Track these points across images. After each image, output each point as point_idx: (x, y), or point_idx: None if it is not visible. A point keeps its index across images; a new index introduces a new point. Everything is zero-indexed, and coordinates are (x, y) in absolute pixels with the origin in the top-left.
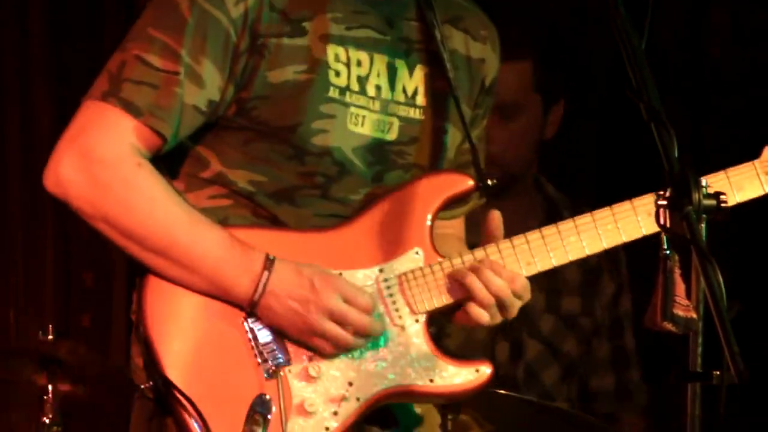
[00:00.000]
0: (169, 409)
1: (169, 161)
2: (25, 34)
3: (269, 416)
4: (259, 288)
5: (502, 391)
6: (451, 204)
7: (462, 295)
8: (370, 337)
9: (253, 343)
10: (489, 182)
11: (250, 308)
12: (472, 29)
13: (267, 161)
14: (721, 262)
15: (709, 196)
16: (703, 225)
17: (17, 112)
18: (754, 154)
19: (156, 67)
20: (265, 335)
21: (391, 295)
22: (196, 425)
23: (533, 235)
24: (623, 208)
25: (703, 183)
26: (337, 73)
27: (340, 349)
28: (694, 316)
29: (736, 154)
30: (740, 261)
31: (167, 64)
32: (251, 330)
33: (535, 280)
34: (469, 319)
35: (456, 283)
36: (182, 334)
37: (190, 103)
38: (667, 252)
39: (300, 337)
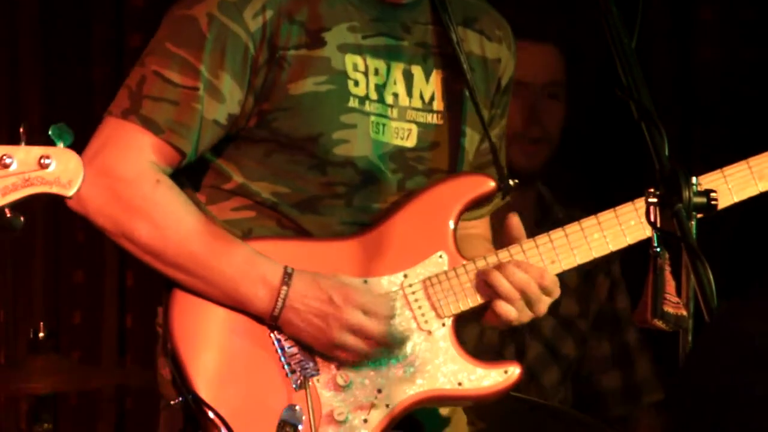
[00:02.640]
0: (198, 424)
1: (191, 174)
2: (14, 31)
3: (299, 427)
4: (278, 303)
5: None
6: (473, 206)
7: (487, 296)
8: (393, 346)
9: (280, 355)
10: (510, 182)
11: (272, 322)
12: (486, 30)
13: (288, 172)
14: (711, 260)
15: (699, 193)
16: (694, 222)
17: (7, 112)
18: (744, 153)
19: (175, 83)
20: (291, 347)
21: (416, 300)
22: None
23: (556, 234)
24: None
25: (694, 180)
26: (356, 83)
27: (363, 359)
28: (685, 313)
29: (725, 152)
30: (731, 258)
31: (186, 80)
32: (278, 341)
33: None
34: (498, 318)
35: (481, 283)
36: (210, 348)
37: (210, 118)
38: (658, 249)
39: (322, 350)
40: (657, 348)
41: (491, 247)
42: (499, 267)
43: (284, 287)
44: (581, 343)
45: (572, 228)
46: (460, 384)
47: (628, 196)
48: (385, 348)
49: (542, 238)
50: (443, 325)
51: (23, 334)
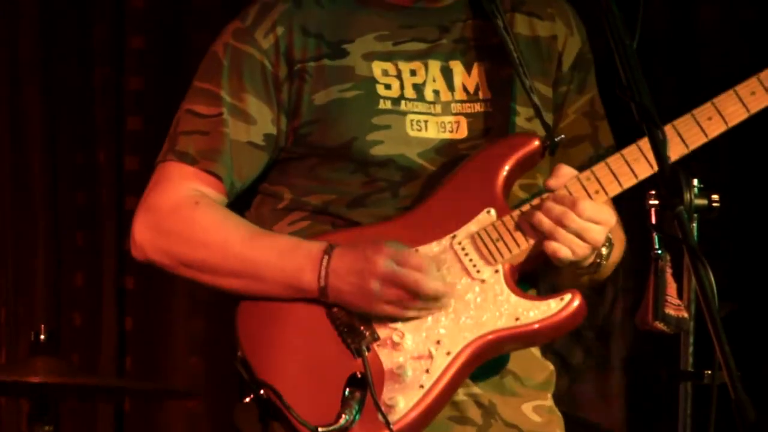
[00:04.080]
0: (273, 415)
1: (249, 205)
2: (14, 31)
3: (365, 391)
4: (322, 272)
5: None
6: (524, 164)
7: (535, 236)
8: (436, 298)
9: (337, 330)
10: (556, 139)
11: (321, 295)
12: (536, 10)
13: (332, 181)
14: (712, 262)
15: (700, 195)
16: (695, 224)
17: (7, 113)
18: (744, 154)
19: (203, 115)
20: (344, 318)
21: (466, 254)
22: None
23: (599, 166)
24: (683, 120)
25: (695, 182)
26: (388, 86)
27: (409, 312)
28: (686, 315)
29: (725, 153)
30: (732, 260)
31: (211, 109)
32: (332, 318)
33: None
34: (551, 258)
35: (526, 225)
36: (273, 345)
37: (242, 140)
38: (659, 252)
39: (368, 309)
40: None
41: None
42: (541, 206)
43: (325, 256)
44: (588, 353)
45: (614, 158)
46: (517, 319)
47: (629, 198)
48: (428, 301)
49: (585, 173)
50: (496, 271)
51: (24, 335)
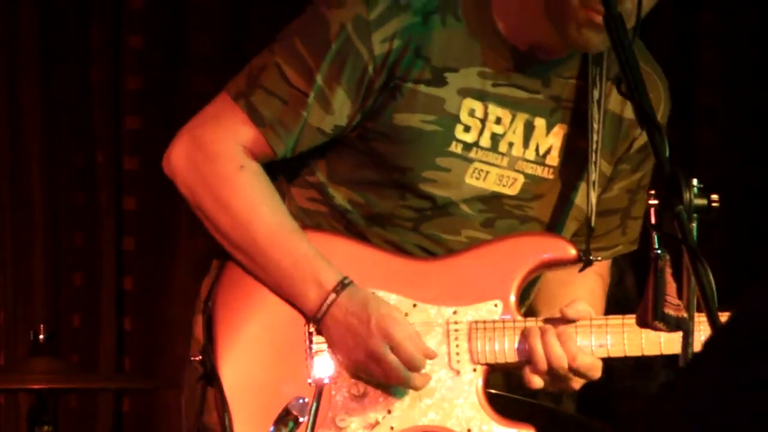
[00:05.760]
0: (211, 381)
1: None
2: (14, 31)
3: (300, 420)
4: (323, 307)
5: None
6: (550, 267)
7: (522, 356)
8: (409, 387)
9: (308, 348)
10: (592, 258)
11: (314, 323)
12: None
13: (370, 186)
14: (712, 262)
15: (700, 195)
16: (694, 224)
17: (6, 113)
18: (743, 156)
19: (290, 83)
20: (321, 344)
21: (456, 339)
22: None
23: (614, 319)
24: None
25: (694, 182)
26: (467, 129)
27: (378, 383)
28: (685, 315)
29: (725, 154)
30: (732, 260)
31: (300, 83)
32: (310, 335)
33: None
34: (523, 380)
35: (522, 344)
36: (246, 322)
37: (314, 125)
38: (658, 251)
39: (346, 363)
40: None
41: (600, 289)
42: (542, 333)
43: (333, 294)
44: None
45: (631, 319)
46: (468, 431)
47: None
48: (400, 384)
49: (600, 320)
50: (474, 370)
51: (23, 336)
